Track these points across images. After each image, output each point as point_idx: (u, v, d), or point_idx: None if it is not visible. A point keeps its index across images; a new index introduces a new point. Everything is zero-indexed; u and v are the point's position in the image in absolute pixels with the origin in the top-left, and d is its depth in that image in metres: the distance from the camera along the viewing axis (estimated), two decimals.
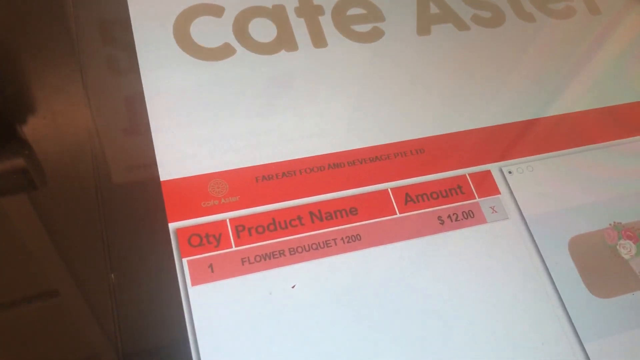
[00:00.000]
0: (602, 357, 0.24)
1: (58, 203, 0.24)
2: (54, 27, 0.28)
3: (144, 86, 0.27)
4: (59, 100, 0.26)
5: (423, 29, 0.31)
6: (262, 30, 0.30)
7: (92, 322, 0.22)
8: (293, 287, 0.23)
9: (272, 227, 0.25)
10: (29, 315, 0.22)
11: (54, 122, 0.25)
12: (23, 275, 0.22)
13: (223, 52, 0.29)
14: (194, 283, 0.23)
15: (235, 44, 0.29)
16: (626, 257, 0.26)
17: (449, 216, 0.26)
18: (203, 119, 0.27)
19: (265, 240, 0.24)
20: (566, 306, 0.25)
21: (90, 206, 0.24)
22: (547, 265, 0.26)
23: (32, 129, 0.25)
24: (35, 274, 0.22)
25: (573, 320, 0.25)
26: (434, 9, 0.32)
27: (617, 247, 0.27)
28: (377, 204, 0.26)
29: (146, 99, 0.27)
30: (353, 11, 0.31)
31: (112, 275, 0.22)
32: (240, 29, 0.29)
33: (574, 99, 0.30)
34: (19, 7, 0.28)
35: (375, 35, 0.31)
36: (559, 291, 0.25)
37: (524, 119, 0.29)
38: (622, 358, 0.24)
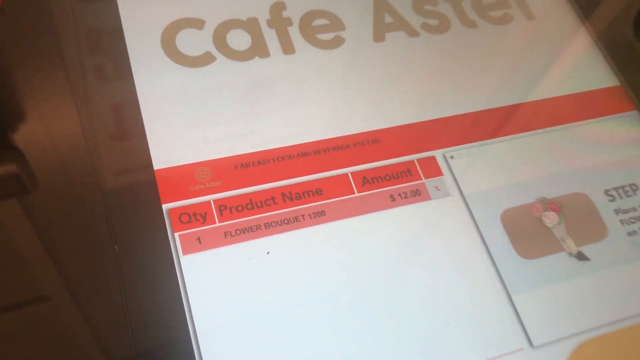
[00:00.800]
0: (526, 306, 0.29)
1: (67, 188, 0.28)
2: (53, 37, 0.32)
3: (137, 90, 0.32)
4: (59, 103, 0.30)
5: (378, 36, 0.36)
6: (238, 39, 0.34)
7: (100, 285, 0.26)
8: (267, 253, 0.28)
9: (249, 206, 0.29)
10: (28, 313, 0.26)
11: (56, 124, 0.30)
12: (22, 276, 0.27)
13: (205, 60, 0.33)
14: (184, 253, 0.28)
15: (215, 52, 0.34)
16: (549, 225, 0.31)
17: (399, 194, 0.31)
18: (189, 117, 0.31)
19: (244, 217, 0.29)
20: (498, 267, 0.30)
21: (96, 195, 0.28)
22: (482, 233, 0.30)
23: (34, 131, 0.30)
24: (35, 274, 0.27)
25: (503, 278, 0.30)
26: (388, 19, 0.37)
27: (542, 217, 0.32)
28: (339, 186, 0.31)
29: (140, 102, 0.31)
30: (317, 22, 0.36)
31: (116, 247, 0.27)
32: (219, 39, 0.34)
33: (508, 94, 0.35)
34: (13, 17, 0.32)
35: (337, 42, 0.36)
36: (492, 254, 0.30)
37: (465, 112, 0.34)
38: (542, 306, 0.29)
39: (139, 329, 0.25)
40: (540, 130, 0.34)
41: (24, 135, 0.29)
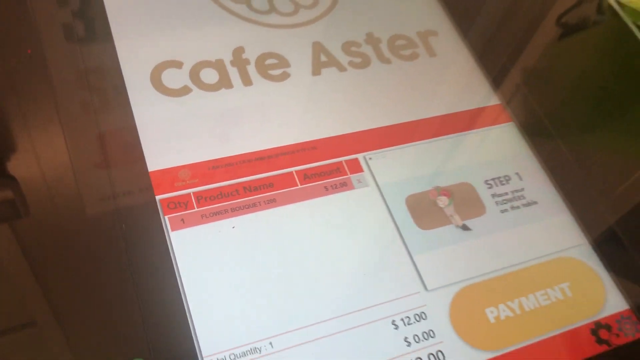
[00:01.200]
0: (423, 263, 0.40)
1: (81, 187, 0.38)
2: (59, 68, 0.43)
3: (134, 116, 0.42)
4: (69, 119, 0.41)
5: (316, 71, 0.48)
6: (209, 75, 0.45)
7: (108, 253, 0.36)
8: (233, 227, 0.39)
9: (219, 196, 0.40)
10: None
11: (75, 139, 0.40)
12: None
13: (183, 91, 0.44)
14: (172, 230, 0.38)
15: (191, 85, 0.45)
16: (441, 206, 0.43)
17: (331, 186, 0.42)
18: (173, 134, 0.42)
19: (215, 204, 0.40)
20: (402, 235, 0.41)
21: (106, 192, 0.39)
22: (392, 212, 0.42)
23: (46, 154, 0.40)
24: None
25: (407, 243, 0.40)
26: (323, 58, 0.49)
27: (436, 200, 0.43)
28: (286, 181, 0.42)
29: (136, 124, 0.42)
30: (269, 61, 0.47)
31: (123, 225, 0.37)
32: (194, 75, 0.45)
33: (413, 112, 0.47)
34: (35, 60, 0.43)
35: (284, 76, 0.47)
36: (399, 227, 0.41)
37: (380, 126, 0.46)
38: (434, 263, 0.40)
39: (142, 284, 0.36)
40: (438, 138, 0.46)
41: (45, 159, 0.40)
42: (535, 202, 0.44)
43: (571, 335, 0.39)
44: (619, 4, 0.58)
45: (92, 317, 0.34)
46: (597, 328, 0.39)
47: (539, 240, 0.42)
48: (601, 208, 0.44)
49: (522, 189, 0.45)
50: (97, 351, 0.33)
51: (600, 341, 0.39)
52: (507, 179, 0.45)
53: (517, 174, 0.45)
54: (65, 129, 0.40)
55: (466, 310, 0.39)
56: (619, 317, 0.40)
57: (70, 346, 0.33)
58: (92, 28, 0.46)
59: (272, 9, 0.51)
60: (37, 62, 0.43)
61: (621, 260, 0.42)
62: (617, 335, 0.39)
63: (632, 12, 0.56)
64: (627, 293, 0.41)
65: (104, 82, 0.43)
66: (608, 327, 0.40)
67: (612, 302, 0.41)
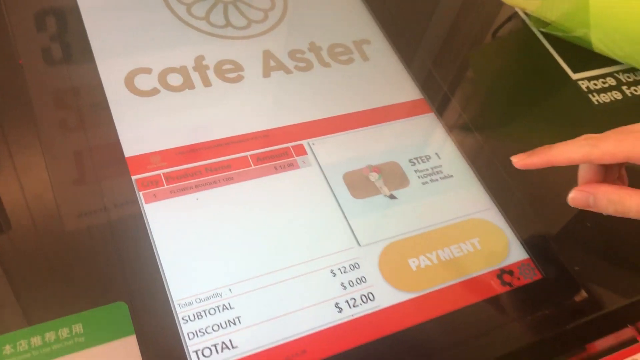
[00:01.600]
0: (357, 226, 0.48)
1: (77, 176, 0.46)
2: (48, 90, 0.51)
3: (112, 114, 0.50)
4: (60, 128, 0.49)
5: (266, 74, 0.56)
6: (174, 79, 0.54)
7: (92, 225, 0.44)
8: (197, 199, 0.46)
9: (185, 176, 0.48)
10: None
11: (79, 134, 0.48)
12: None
13: (153, 92, 0.52)
14: (146, 202, 0.46)
15: (159, 87, 0.53)
16: (373, 180, 0.51)
17: (280, 166, 0.50)
18: (145, 127, 0.50)
19: (181, 182, 0.47)
20: (340, 204, 0.49)
21: (91, 175, 0.46)
22: (331, 186, 0.50)
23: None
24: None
25: (344, 210, 0.49)
26: (272, 63, 0.57)
27: (368, 176, 0.52)
28: (242, 163, 0.50)
29: (114, 120, 0.50)
30: (226, 66, 0.56)
31: (105, 199, 0.45)
32: (162, 79, 0.53)
33: (349, 106, 0.56)
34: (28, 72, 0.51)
35: (239, 78, 0.55)
36: (337, 198, 0.49)
37: (321, 118, 0.54)
38: (367, 225, 0.48)
39: (122, 244, 0.43)
40: (370, 127, 0.55)
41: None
42: (451, 176, 0.53)
43: (481, 279, 0.47)
44: (526, 13, 0.68)
45: (82, 269, 0.41)
46: (502, 273, 0.48)
47: (454, 205, 0.51)
48: (505, 179, 0.53)
49: (440, 166, 0.54)
50: (86, 295, 0.40)
51: (504, 283, 0.48)
52: (428, 157, 0.54)
53: (436, 154, 0.54)
54: (51, 126, 0.48)
55: (392, 260, 0.47)
56: (519, 264, 0.49)
57: (64, 292, 0.40)
58: (74, 45, 0.54)
59: (228, 23, 0.59)
60: (27, 74, 0.50)
61: (521, 219, 0.51)
62: (518, 278, 0.48)
63: (536, 20, 0.67)
64: (526, 245, 0.50)
65: (85, 86, 0.51)
66: (510, 272, 0.48)
67: (514, 252, 0.49)
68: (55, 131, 0.48)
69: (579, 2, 0.57)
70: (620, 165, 0.41)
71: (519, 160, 0.41)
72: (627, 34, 0.57)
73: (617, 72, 0.65)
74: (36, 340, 0.37)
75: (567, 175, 0.53)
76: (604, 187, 0.39)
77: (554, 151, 0.39)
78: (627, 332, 0.52)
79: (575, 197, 0.40)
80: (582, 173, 0.42)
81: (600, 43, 0.61)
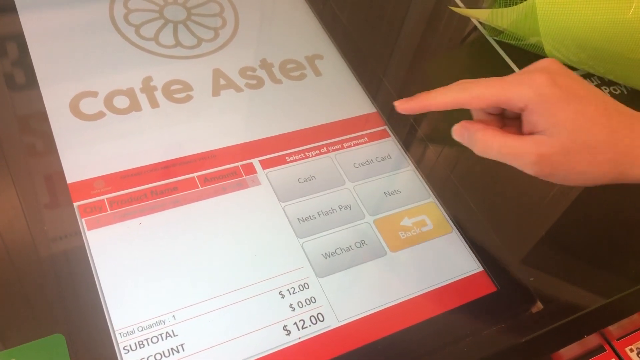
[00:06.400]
0: (309, 245, 0.47)
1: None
2: None
3: (55, 140, 0.49)
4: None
5: (216, 92, 0.56)
6: (120, 102, 0.53)
7: (30, 254, 0.43)
8: (140, 224, 0.45)
9: (129, 200, 0.47)
10: None
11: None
12: None
13: (98, 116, 0.51)
14: (89, 229, 0.45)
15: (105, 110, 0.52)
16: None
17: (229, 186, 0.49)
18: (89, 152, 0.49)
19: (126, 206, 0.46)
20: (291, 223, 0.48)
21: (31, 203, 0.45)
22: (281, 204, 0.49)
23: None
24: None
25: (294, 229, 0.48)
26: (222, 81, 0.57)
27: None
28: (189, 184, 0.49)
29: (57, 146, 0.49)
30: (174, 87, 0.55)
31: (45, 227, 0.44)
32: (108, 102, 0.52)
33: (301, 123, 0.55)
34: None
35: (188, 98, 0.55)
36: (288, 216, 0.49)
37: (270, 136, 0.53)
38: (316, 246, 0.47)
39: (60, 273, 0.42)
40: (320, 142, 0.54)
41: None
42: (399, 192, 0.52)
43: (433, 293, 0.47)
44: (480, 23, 0.68)
45: (18, 300, 0.40)
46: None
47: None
48: (459, 191, 0.52)
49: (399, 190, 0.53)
50: (22, 329, 0.39)
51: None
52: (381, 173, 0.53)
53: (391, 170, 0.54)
54: None
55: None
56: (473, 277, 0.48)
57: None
58: (18, 70, 0.53)
59: (178, 43, 0.59)
60: None
61: (475, 231, 0.50)
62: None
63: (490, 29, 0.66)
64: (480, 258, 0.49)
65: (28, 113, 0.50)
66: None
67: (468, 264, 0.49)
68: None
69: (528, 11, 0.56)
70: (518, 116, 0.40)
71: (400, 104, 0.42)
72: (577, 41, 0.57)
73: None
74: None
75: (522, 185, 0.53)
76: (478, 126, 0.39)
77: (430, 95, 0.40)
78: (594, 340, 0.52)
79: (455, 130, 0.41)
80: (475, 118, 0.42)
81: (553, 50, 0.61)
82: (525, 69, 0.40)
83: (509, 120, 0.42)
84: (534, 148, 0.37)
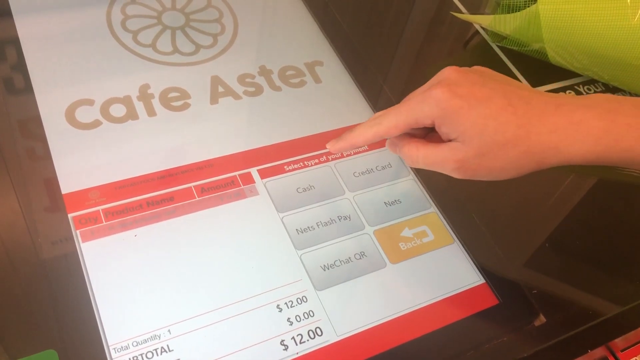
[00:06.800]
0: (307, 259, 0.46)
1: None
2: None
3: (50, 149, 0.48)
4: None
5: (214, 100, 0.55)
6: (117, 110, 0.52)
7: (23, 267, 0.42)
8: (135, 235, 0.45)
9: (125, 211, 0.46)
10: None
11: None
12: None
13: (94, 125, 0.51)
14: (83, 241, 0.44)
15: (101, 119, 0.51)
16: None
17: (226, 196, 0.49)
18: (85, 161, 0.48)
19: (122, 218, 0.46)
20: (290, 234, 0.47)
21: (28, 219, 0.45)
22: (279, 214, 0.48)
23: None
24: None
25: (293, 240, 0.47)
26: (220, 89, 0.56)
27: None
28: (185, 195, 0.48)
29: (52, 156, 0.48)
30: (172, 94, 0.54)
31: (39, 239, 0.43)
32: (105, 111, 0.52)
33: (302, 131, 0.54)
34: None
35: (185, 106, 0.54)
36: (286, 228, 0.48)
37: (269, 144, 0.53)
38: (316, 259, 0.47)
39: (54, 286, 0.41)
40: (319, 151, 0.53)
41: None
42: (399, 201, 0.51)
43: (434, 307, 0.46)
44: (483, 28, 0.67)
45: (10, 315, 0.39)
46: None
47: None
48: (460, 202, 0.51)
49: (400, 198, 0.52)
50: (13, 345, 0.38)
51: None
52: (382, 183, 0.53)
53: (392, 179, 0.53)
54: None
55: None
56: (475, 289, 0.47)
57: None
58: (13, 77, 0.53)
59: (175, 50, 0.58)
60: None
61: (477, 244, 0.49)
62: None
63: (493, 34, 0.66)
64: (482, 270, 0.48)
65: (23, 121, 0.50)
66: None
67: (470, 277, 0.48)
68: None
69: (531, 17, 0.55)
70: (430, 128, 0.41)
71: (331, 146, 0.45)
72: (581, 47, 0.56)
73: (577, 84, 0.64)
74: None
75: (524, 195, 0.52)
76: (404, 140, 0.42)
77: (354, 134, 0.43)
78: (598, 351, 0.51)
79: (387, 146, 0.44)
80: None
81: (557, 55, 0.60)
82: (429, 82, 0.41)
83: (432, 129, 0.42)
84: (452, 155, 0.39)
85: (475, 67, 0.42)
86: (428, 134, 0.43)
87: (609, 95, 0.39)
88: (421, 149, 0.40)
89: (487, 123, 0.37)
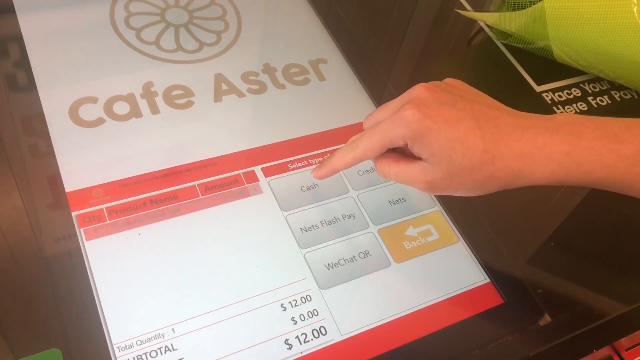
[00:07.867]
0: (310, 257, 0.46)
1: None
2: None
3: (54, 147, 0.48)
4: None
5: (218, 98, 0.55)
6: (121, 107, 0.52)
7: (27, 265, 0.42)
8: (139, 234, 0.45)
9: (128, 209, 0.46)
10: None
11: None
12: None
13: (97, 122, 0.51)
14: (87, 239, 0.44)
15: (104, 117, 0.51)
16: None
17: (230, 195, 0.48)
18: (89, 159, 0.48)
19: (125, 216, 0.45)
20: (294, 233, 0.47)
21: (31, 217, 0.44)
22: (282, 211, 0.48)
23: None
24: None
25: (297, 239, 0.47)
26: (224, 87, 0.56)
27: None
28: (189, 193, 0.48)
29: (56, 153, 0.48)
30: (175, 92, 0.54)
31: (43, 238, 0.43)
32: (108, 108, 0.52)
33: (306, 129, 0.54)
34: None
35: (189, 104, 0.54)
36: (290, 226, 0.48)
37: (273, 142, 0.52)
38: (318, 257, 0.46)
39: (58, 284, 0.41)
40: (323, 149, 0.53)
41: None
42: (403, 199, 0.51)
43: (439, 306, 0.46)
44: (488, 26, 0.67)
45: (14, 314, 0.39)
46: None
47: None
48: (465, 202, 0.51)
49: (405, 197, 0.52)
50: (17, 344, 0.38)
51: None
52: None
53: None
54: None
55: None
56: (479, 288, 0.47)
57: None
58: (16, 74, 0.53)
59: (179, 47, 0.58)
60: None
61: (482, 243, 0.49)
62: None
63: (498, 32, 0.65)
64: (487, 269, 0.48)
65: (27, 119, 0.50)
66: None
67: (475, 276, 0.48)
68: None
69: (536, 14, 0.55)
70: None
71: (315, 173, 0.46)
72: (586, 45, 0.55)
73: (583, 82, 0.64)
74: None
75: (529, 195, 0.51)
76: (381, 158, 0.42)
77: (334, 159, 0.44)
78: (603, 350, 0.51)
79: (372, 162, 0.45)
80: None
81: (562, 53, 0.59)
82: (400, 98, 0.42)
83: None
84: (422, 176, 0.40)
85: (447, 82, 0.42)
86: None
87: (573, 117, 0.39)
88: (393, 167, 0.41)
89: (455, 147, 0.38)
